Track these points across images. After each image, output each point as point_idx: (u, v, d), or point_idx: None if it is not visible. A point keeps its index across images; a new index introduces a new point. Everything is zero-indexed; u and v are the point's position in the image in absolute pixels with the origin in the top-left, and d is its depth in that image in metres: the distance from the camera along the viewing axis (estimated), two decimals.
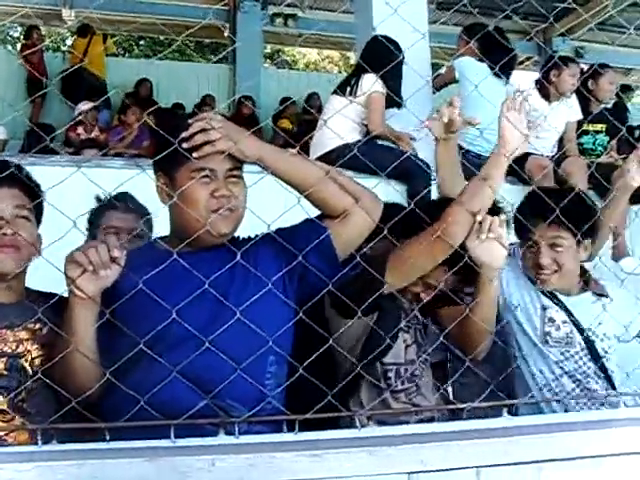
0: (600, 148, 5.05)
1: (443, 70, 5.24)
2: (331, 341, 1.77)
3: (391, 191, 3.71)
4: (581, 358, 2.27)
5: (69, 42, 16.08)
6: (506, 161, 2.02)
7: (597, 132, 5.09)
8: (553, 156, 4.65)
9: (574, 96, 4.90)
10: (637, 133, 8.08)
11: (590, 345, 2.28)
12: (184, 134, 1.71)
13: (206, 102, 8.69)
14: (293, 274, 1.85)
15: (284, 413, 1.69)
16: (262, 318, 1.74)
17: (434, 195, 3.84)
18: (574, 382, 2.25)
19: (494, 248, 1.96)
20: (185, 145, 1.70)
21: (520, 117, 2.02)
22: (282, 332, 1.77)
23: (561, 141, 4.84)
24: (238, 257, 1.67)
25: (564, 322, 2.28)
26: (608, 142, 5.11)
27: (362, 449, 1.43)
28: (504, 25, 9.67)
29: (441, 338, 2.03)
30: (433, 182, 3.89)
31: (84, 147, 6.89)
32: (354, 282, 1.90)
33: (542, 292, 2.33)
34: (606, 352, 2.30)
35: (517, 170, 4.14)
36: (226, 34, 10.90)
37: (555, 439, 1.55)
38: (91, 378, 1.63)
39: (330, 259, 1.84)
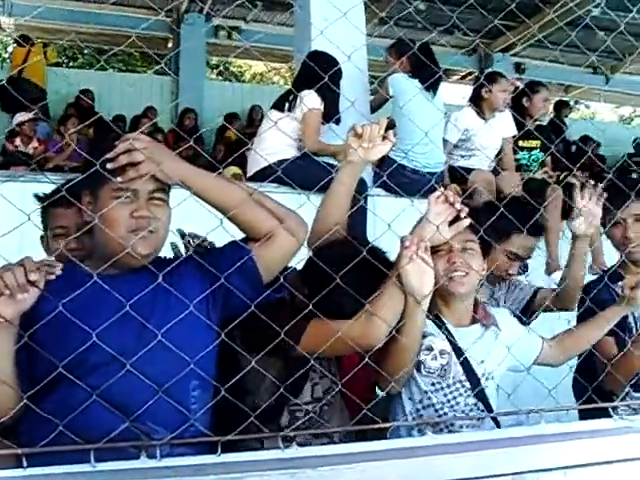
0: (535, 164, 5.15)
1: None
2: (253, 362, 1.76)
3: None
4: (452, 392, 2.17)
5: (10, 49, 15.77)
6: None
7: (532, 148, 5.18)
8: (492, 172, 4.74)
9: (508, 112, 5.00)
10: (573, 148, 8.30)
11: (472, 379, 2.19)
12: (108, 155, 1.70)
13: (147, 114, 8.62)
14: (217, 296, 1.84)
15: (208, 436, 1.68)
16: (185, 341, 1.73)
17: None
18: (440, 415, 2.16)
19: (424, 273, 1.96)
20: (109, 166, 1.69)
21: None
22: (205, 355, 1.76)
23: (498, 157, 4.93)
24: (160, 279, 1.66)
25: (442, 353, 2.18)
26: (544, 158, 5.22)
27: (284, 471, 1.43)
28: (446, 40, 9.90)
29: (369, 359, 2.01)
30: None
31: (14, 162, 6.73)
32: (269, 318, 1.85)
33: (433, 320, 2.23)
34: (487, 387, 2.23)
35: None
36: (169, 45, 10.84)
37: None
38: (7, 402, 1.60)
39: (253, 281, 1.85)
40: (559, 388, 2.18)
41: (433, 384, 2.18)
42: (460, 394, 2.18)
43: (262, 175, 4.05)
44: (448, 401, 2.17)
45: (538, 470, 1.61)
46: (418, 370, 2.18)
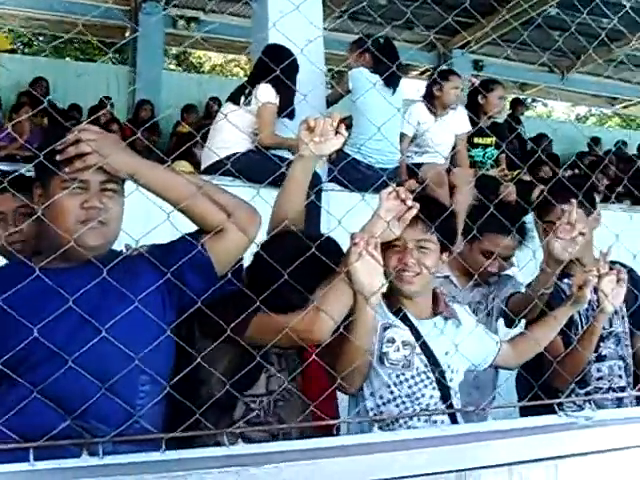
0: (490, 161, 5.20)
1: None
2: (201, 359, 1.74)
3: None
4: (416, 383, 2.19)
5: None
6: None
7: (487, 145, 5.23)
8: (447, 169, 4.77)
9: (462, 108, 5.05)
10: (529, 146, 8.40)
11: (435, 371, 2.21)
12: (57, 146, 1.67)
13: (104, 104, 8.48)
14: (172, 290, 1.82)
15: (154, 432, 1.66)
16: (135, 336, 1.71)
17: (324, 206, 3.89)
18: (404, 409, 2.16)
19: (373, 270, 1.94)
20: (58, 157, 1.67)
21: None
22: (157, 350, 1.74)
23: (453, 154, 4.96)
24: (104, 273, 1.63)
25: (405, 344, 2.19)
26: (498, 155, 5.27)
27: (228, 469, 1.42)
28: (405, 36, 9.93)
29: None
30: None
31: None
32: (224, 307, 1.86)
33: (394, 313, 2.25)
34: (451, 380, 2.25)
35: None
36: (127, 35, 10.70)
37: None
38: None
39: (207, 274, 1.83)
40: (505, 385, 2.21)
41: (397, 376, 2.18)
42: (425, 385, 2.19)
43: (216, 168, 4.02)
44: (413, 393, 2.18)
45: (483, 467, 1.62)
46: (382, 363, 2.18)
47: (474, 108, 5.08)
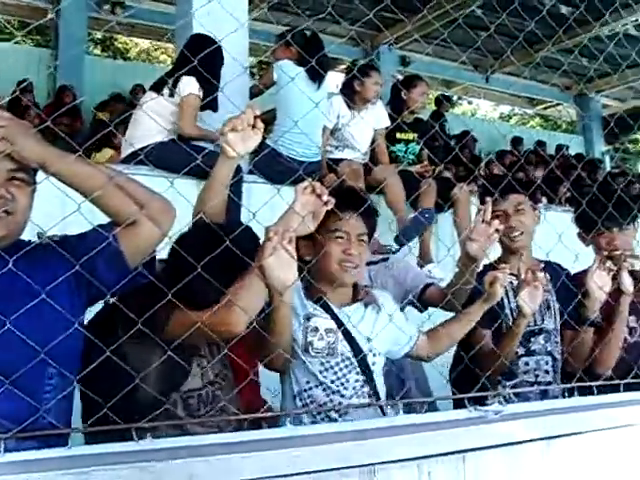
0: (411, 156, 5.25)
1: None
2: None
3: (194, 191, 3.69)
4: (341, 369, 2.23)
5: None
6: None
7: (408, 141, 5.28)
8: (365, 164, 4.80)
9: (381, 103, 5.09)
10: (452, 143, 8.55)
11: (359, 356, 2.25)
12: None
13: (25, 88, 8.20)
14: (81, 281, 1.79)
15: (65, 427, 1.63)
16: (41, 328, 1.67)
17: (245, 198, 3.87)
18: (329, 394, 2.21)
19: (287, 265, 1.95)
20: None
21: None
22: (65, 342, 1.69)
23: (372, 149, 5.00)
24: (10, 264, 1.58)
25: (328, 331, 2.23)
26: (420, 150, 5.34)
27: (133, 465, 1.40)
28: (333, 30, 9.95)
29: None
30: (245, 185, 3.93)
31: None
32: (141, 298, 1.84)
33: (314, 301, 2.29)
34: (374, 364, 2.30)
35: None
36: (50, 17, 10.37)
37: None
38: None
39: (118, 266, 1.80)
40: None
41: (322, 364, 2.23)
42: (349, 371, 2.25)
43: (137, 157, 3.96)
44: (338, 379, 2.23)
45: (392, 461, 1.63)
46: (307, 352, 2.22)
47: (397, 103, 5.13)
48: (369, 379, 2.28)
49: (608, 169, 13.14)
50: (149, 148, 3.87)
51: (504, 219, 2.71)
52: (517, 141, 11.78)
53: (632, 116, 11.06)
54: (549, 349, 2.71)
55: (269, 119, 4.60)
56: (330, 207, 2.08)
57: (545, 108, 16.15)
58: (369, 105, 4.92)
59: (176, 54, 5.15)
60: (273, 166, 3.95)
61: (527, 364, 2.68)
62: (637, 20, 9.38)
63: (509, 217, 2.73)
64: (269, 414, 2.17)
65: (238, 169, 3.90)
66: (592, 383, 2.43)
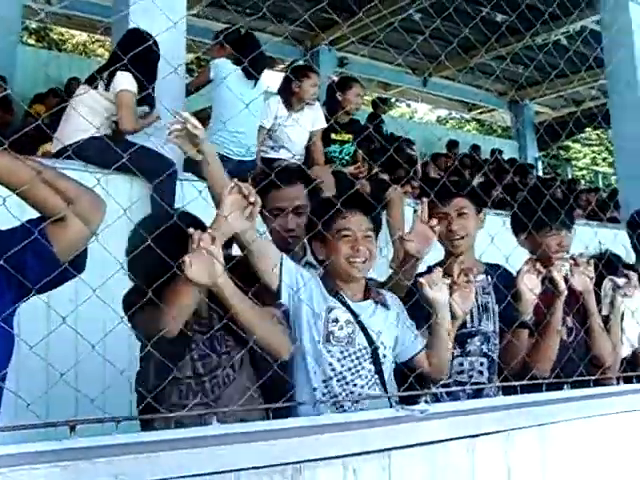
0: (347, 157, 5.28)
1: None
2: None
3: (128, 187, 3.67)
4: (358, 358, 2.36)
5: None
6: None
7: (344, 142, 5.29)
8: (302, 164, 4.80)
9: (319, 105, 5.11)
10: (388, 145, 8.62)
11: (372, 348, 2.39)
12: None
13: None
14: (11, 276, 1.75)
15: None
16: None
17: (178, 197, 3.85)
18: (342, 385, 2.34)
19: (210, 265, 1.96)
20: None
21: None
22: None
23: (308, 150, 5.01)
24: None
25: (348, 322, 2.37)
26: (355, 152, 5.38)
27: (55, 464, 1.37)
28: (273, 29, 9.96)
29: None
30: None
31: None
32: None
33: (333, 295, 2.41)
34: (384, 356, 2.43)
35: None
36: None
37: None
38: None
39: (48, 261, 1.77)
40: None
41: (342, 352, 2.35)
42: (365, 359, 2.37)
43: (68, 152, 3.89)
44: (355, 366, 2.36)
45: (317, 459, 1.65)
46: (328, 341, 2.34)
47: (332, 105, 5.16)
48: (379, 370, 2.41)
49: (540, 174, 13.49)
50: (81, 143, 3.80)
51: (447, 222, 2.74)
52: (453, 144, 11.97)
53: (563, 124, 11.39)
54: (484, 351, 2.73)
55: (204, 117, 4.58)
56: (257, 207, 2.09)
57: (480, 113, 16.45)
58: (306, 106, 4.93)
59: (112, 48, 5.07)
60: None
61: (461, 364, 2.70)
62: (567, 31, 9.64)
63: (452, 220, 2.76)
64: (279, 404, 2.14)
65: (173, 166, 3.90)
66: (515, 383, 2.50)
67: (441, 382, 2.59)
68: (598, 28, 8.81)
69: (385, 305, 2.47)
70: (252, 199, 2.07)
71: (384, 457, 1.78)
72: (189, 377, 2.20)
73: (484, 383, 2.72)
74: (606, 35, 7.55)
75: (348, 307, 2.40)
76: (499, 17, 8.81)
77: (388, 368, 2.47)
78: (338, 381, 2.33)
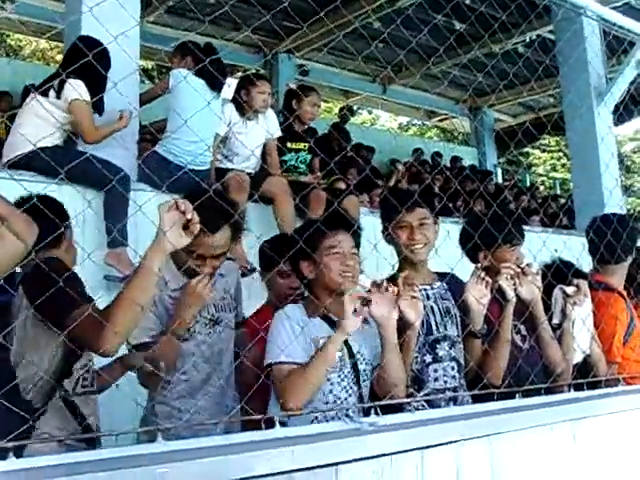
0: (303, 166, 5.30)
1: None
2: None
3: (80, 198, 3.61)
4: (340, 369, 2.46)
5: None
6: None
7: (299, 150, 5.32)
8: (255, 173, 4.80)
9: (273, 113, 5.10)
10: (349, 154, 8.65)
11: (353, 359, 2.50)
12: None
13: None
14: None
15: None
16: None
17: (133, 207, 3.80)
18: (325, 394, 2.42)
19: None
20: None
21: None
22: None
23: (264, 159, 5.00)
24: None
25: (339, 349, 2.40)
26: (312, 160, 5.39)
27: None
28: (233, 36, 9.91)
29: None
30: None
31: None
32: None
33: (321, 317, 2.51)
34: (364, 371, 2.52)
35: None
36: None
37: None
38: None
39: None
40: None
41: (339, 376, 2.47)
42: (345, 369, 2.48)
43: (19, 163, 3.83)
44: (348, 384, 2.47)
45: (265, 475, 1.62)
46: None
47: (289, 113, 5.16)
48: (357, 381, 2.49)
49: (499, 180, 13.63)
50: (31, 154, 3.74)
51: (409, 232, 2.76)
52: (418, 152, 12.03)
53: (519, 132, 11.53)
54: (453, 355, 2.74)
55: (160, 128, 4.55)
56: (195, 224, 2.05)
57: (441, 120, 16.56)
58: (260, 115, 4.92)
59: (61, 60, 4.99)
60: (160, 174, 3.85)
61: (436, 371, 2.70)
62: (524, 40, 9.76)
63: (413, 230, 2.77)
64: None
65: (125, 176, 3.84)
66: (470, 392, 2.51)
67: (422, 392, 2.61)
68: (553, 37, 8.94)
69: (365, 319, 2.46)
70: (189, 216, 2.04)
71: (332, 471, 1.76)
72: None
73: (460, 387, 2.73)
74: (558, 44, 7.67)
75: (332, 324, 2.47)
76: (457, 25, 8.87)
77: (365, 380, 2.52)
78: (334, 402, 2.43)
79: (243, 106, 4.79)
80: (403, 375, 2.48)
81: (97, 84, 3.86)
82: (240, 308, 3.16)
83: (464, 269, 2.87)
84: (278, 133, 5.03)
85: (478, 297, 2.68)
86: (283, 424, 1.90)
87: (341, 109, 11.67)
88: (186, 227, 2.04)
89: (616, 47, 5.59)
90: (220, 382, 2.83)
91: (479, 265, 2.89)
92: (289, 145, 5.20)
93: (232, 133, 4.68)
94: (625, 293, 3.56)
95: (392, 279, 2.58)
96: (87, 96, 3.98)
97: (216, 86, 4.62)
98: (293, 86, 5.65)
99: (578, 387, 2.80)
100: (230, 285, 3.05)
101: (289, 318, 2.50)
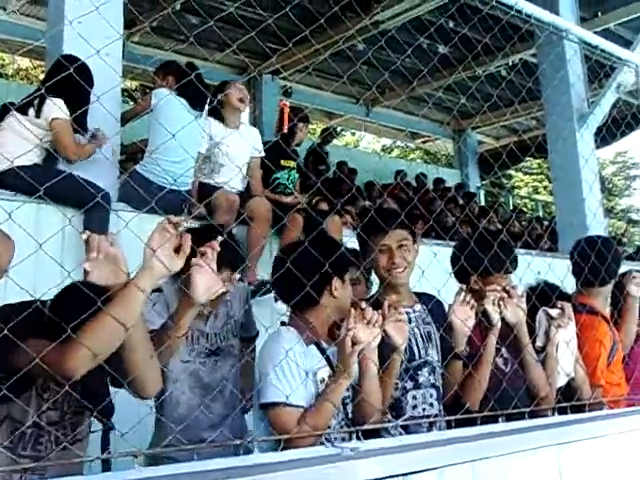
0: (291, 185, 5.34)
1: None
2: None
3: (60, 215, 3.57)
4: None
5: None
6: None
7: (291, 168, 5.37)
8: (242, 192, 4.77)
9: (256, 132, 5.14)
10: (331, 175, 8.69)
11: None
12: None
13: None
14: None
15: None
16: None
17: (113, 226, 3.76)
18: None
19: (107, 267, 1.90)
20: None
21: None
22: None
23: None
24: None
25: (330, 376, 2.38)
26: (299, 179, 5.46)
27: None
28: (217, 57, 9.92)
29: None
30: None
31: None
32: None
33: (314, 343, 2.44)
34: (348, 397, 2.47)
35: None
36: None
37: None
38: None
39: None
40: None
41: None
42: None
43: None
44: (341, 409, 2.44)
45: None
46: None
47: (289, 133, 5.24)
48: (343, 405, 2.45)
49: (482, 203, 13.69)
50: (8, 171, 3.70)
51: (388, 255, 2.73)
52: (401, 174, 12.03)
53: (501, 155, 11.60)
54: (432, 381, 2.70)
55: (140, 148, 4.52)
56: (188, 245, 1.98)
57: (424, 142, 16.64)
58: (242, 127, 4.93)
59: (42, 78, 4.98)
60: (142, 194, 3.82)
61: (415, 397, 2.66)
62: (507, 63, 9.85)
63: (393, 253, 2.74)
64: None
65: (106, 195, 3.80)
66: (453, 417, 2.47)
67: (400, 420, 2.57)
68: (536, 60, 9.03)
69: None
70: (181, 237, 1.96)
71: None
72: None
73: (437, 415, 2.69)
74: (541, 67, 7.74)
75: (327, 358, 2.43)
76: (440, 48, 8.93)
77: (348, 404, 2.47)
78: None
79: (222, 111, 4.81)
80: (380, 400, 2.45)
81: (78, 102, 3.82)
82: (252, 323, 3.20)
83: (450, 291, 2.84)
84: (261, 153, 5.02)
85: (463, 319, 2.65)
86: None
87: (323, 131, 11.68)
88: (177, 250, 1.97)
89: (598, 71, 5.64)
90: (220, 410, 2.86)
91: (464, 286, 2.85)
92: (282, 162, 5.25)
93: (215, 145, 4.64)
94: (609, 316, 3.55)
95: (375, 301, 2.56)
96: (67, 114, 3.94)
97: (197, 105, 4.60)
98: (287, 103, 5.70)
99: (562, 410, 2.77)
100: (235, 310, 3.02)
101: (288, 349, 2.34)
